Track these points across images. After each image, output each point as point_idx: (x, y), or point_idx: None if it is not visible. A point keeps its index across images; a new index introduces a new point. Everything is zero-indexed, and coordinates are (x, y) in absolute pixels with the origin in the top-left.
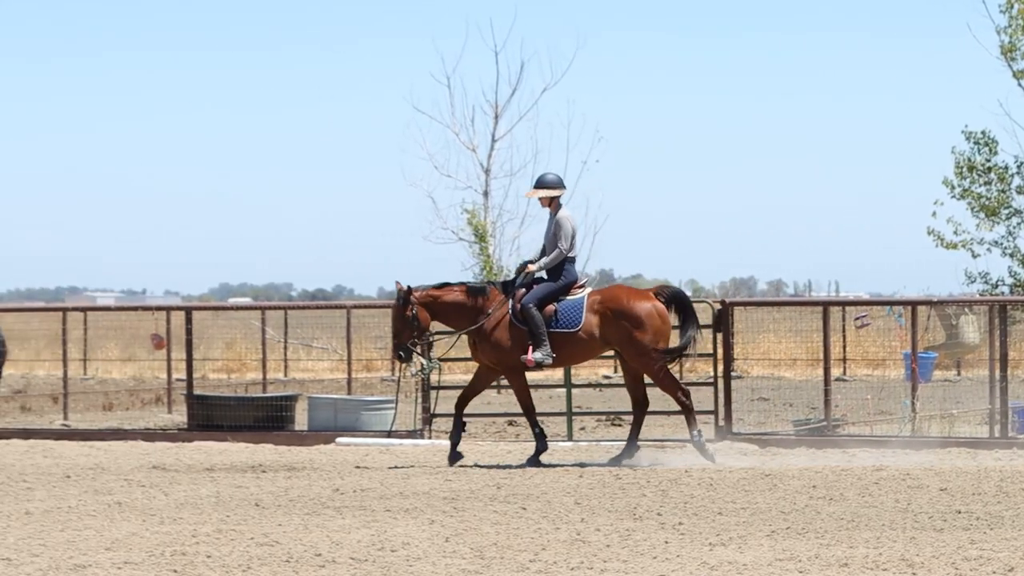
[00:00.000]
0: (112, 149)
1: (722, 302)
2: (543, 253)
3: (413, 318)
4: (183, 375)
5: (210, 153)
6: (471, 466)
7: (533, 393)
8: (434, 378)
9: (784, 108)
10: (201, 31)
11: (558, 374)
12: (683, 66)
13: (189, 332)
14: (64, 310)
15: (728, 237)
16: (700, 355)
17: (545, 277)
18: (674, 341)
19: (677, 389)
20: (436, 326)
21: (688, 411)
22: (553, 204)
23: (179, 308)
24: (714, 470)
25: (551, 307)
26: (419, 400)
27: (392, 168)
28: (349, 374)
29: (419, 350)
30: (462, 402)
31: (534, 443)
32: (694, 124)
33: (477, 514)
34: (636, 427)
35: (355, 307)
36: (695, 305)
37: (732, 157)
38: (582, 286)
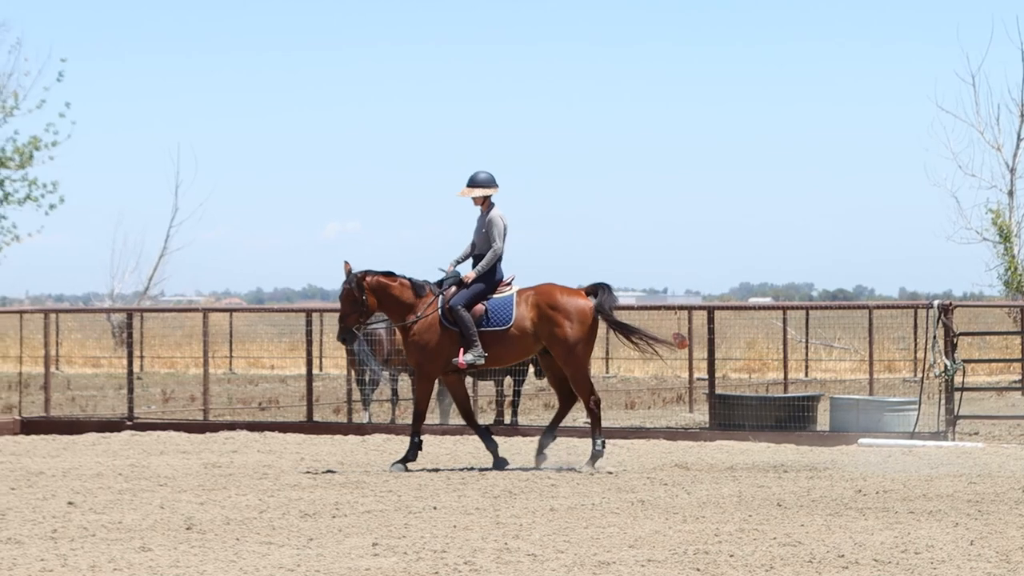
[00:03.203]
0: (634, 151)
1: None
2: (472, 249)
3: (363, 303)
4: (704, 374)
5: (732, 154)
6: (990, 471)
7: None
8: (958, 379)
9: None
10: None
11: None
12: None
13: (711, 332)
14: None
15: None
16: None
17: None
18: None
19: (590, 395)
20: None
21: (596, 420)
22: (485, 203)
23: (701, 307)
24: None
25: (480, 306)
26: (942, 402)
27: (915, 168)
28: (871, 374)
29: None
30: (468, 417)
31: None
32: None
33: (1002, 517)
34: (558, 419)
35: (877, 307)
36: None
37: None
38: (508, 284)
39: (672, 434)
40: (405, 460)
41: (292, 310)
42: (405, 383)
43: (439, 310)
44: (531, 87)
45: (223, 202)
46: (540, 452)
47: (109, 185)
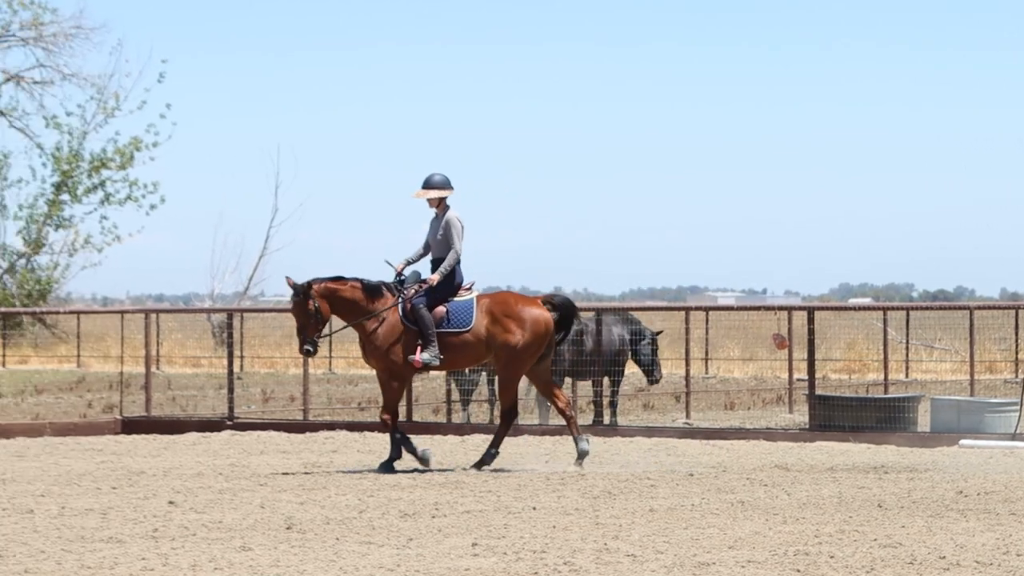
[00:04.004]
0: (735, 150)
1: None
2: (425, 251)
3: (316, 311)
4: (804, 375)
5: (833, 153)
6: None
7: None
8: None
9: None
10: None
11: None
12: None
13: (811, 332)
14: (687, 309)
15: None
16: None
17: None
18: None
19: (511, 405)
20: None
21: (569, 420)
22: (440, 205)
23: (801, 308)
24: None
25: (441, 308)
26: None
27: (1018, 165)
28: (972, 375)
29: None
30: (390, 416)
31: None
32: None
33: None
34: (571, 427)
35: (978, 308)
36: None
37: None
38: (468, 288)
39: (772, 435)
40: (391, 460)
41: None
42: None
43: (399, 309)
44: (631, 87)
45: (322, 202)
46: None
47: (209, 186)
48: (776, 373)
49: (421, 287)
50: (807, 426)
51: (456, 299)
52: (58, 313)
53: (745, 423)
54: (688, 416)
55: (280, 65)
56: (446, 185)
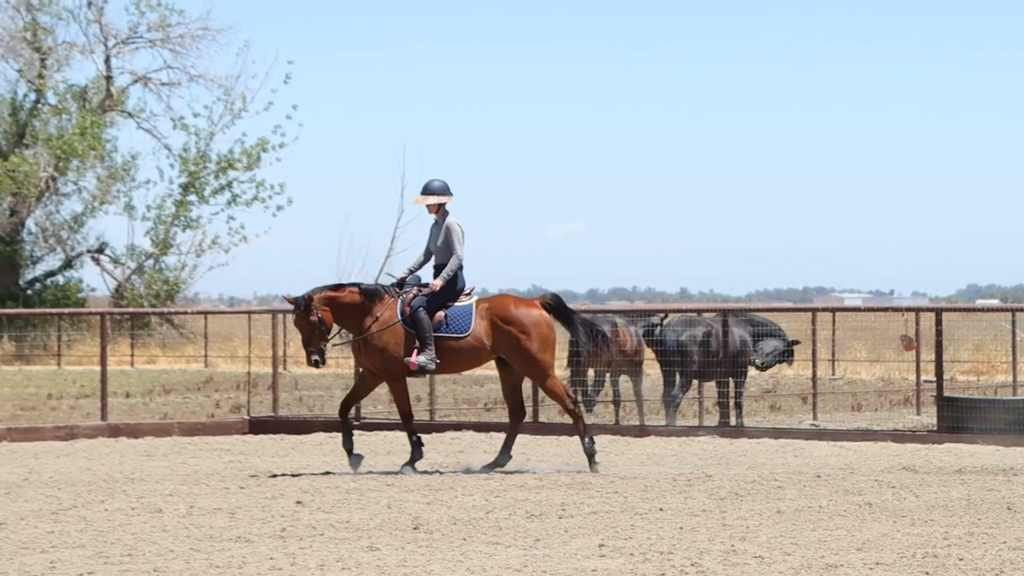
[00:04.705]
0: (863, 151)
1: None
2: (426, 258)
3: (320, 322)
4: (932, 376)
5: (959, 155)
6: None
7: None
8: None
9: None
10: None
11: None
12: None
13: (939, 334)
14: (813, 310)
15: None
16: None
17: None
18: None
19: (565, 397)
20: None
21: (577, 418)
22: (440, 211)
23: (928, 309)
24: None
25: (441, 313)
26: None
27: None
28: None
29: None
30: (345, 408)
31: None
32: None
33: None
34: (511, 437)
35: None
36: None
37: None
38: (468, 293)
39: (899, 436)
40: (412, 461)
41: None
42: (627, 385)
43: (398, 312)
44: (762, 88)
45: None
46: (591, 462)
47: (336, 186)
48: (903, 374)
49: (421, 290)
50: (935, 428)
51: (456, 304)
52: (186, 313)
53: (872, 425)
54: (815, 417)
55: (406, 65)
56: (445, 191)
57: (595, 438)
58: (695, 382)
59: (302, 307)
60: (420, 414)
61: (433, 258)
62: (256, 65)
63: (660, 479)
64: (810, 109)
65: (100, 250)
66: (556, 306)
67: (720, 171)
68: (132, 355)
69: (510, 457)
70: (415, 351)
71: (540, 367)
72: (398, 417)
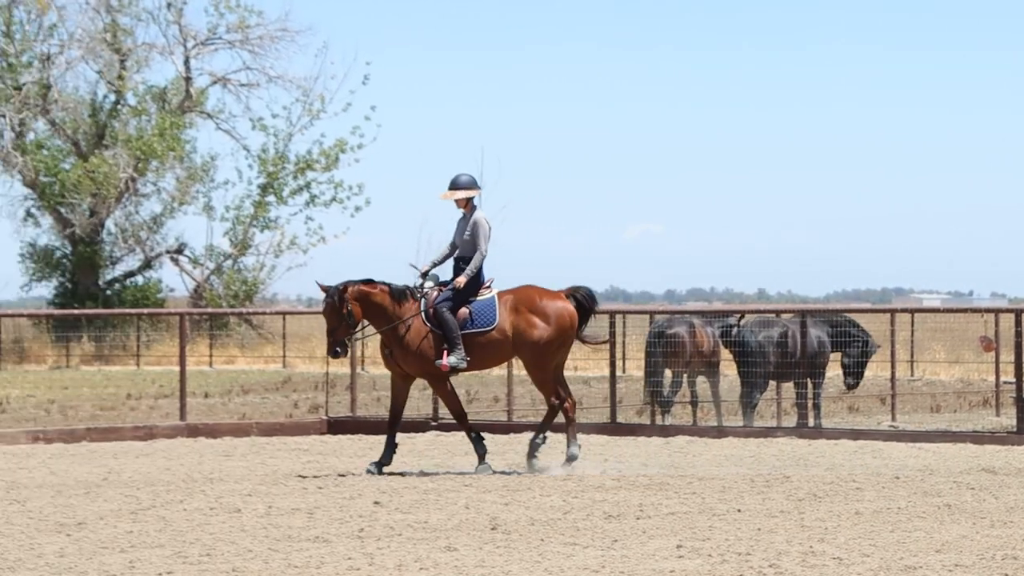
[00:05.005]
0: (939, 152)
1: None
2: (452, 250)
3: (348, 314)
4: (1011, 378)
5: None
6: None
7: None
8: None
9: None
10: None
11: None
12: None
13: (1018, 335)
14: (892, 311)
15: None
16: None
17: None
18: None
19: (551, 395)
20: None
21: (568, 421)
22: (468, 205)
23: (1008, 310)
24: None
25: (464, 310)
26: None
27: None
28: None
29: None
30: (393, 421)
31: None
32: None
33: None
34: (569, 428)
35: None
36: None
37: None
38: (488, 287)
39: (979, 438)
40: (481, 458)
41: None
42: (705, 386)
43: (422, 313)
44: (842, 89)
45: (525, 204)
46: (531, 455)
47: (413, 187)
48: (983, 376)
49: (442, 289)
50: (1015, 429)
51: (477, 299)
52: (264, 314)
53: (951, 426)
54: (894, 419)
55: (485, 65)
56: (472, 185)
57: (580, 444)
58: (772, 383)
59: (334, 296)
60: (498, 414)
61: (458, 252)
62: (335, 66)
63: (738, 480)
64: (889, 108)
65: (179, 251)
66: (581, 298)
67: (800, 171)
68: (211, 355)
69: (544, 440)
70: (444, 352)
71: (543, 359)
72: (475, 419)
